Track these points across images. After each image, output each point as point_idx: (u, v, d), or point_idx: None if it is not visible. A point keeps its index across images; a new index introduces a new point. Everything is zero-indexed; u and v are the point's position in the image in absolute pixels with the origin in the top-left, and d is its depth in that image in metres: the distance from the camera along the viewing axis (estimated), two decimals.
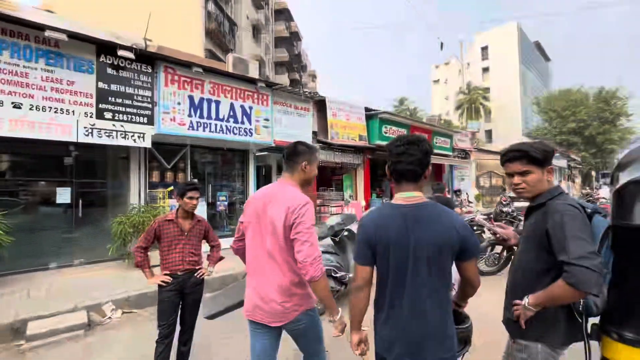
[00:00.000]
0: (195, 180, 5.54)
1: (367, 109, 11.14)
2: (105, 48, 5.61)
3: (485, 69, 42.76)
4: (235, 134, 7.21)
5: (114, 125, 5.65)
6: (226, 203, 8.29)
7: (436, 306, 1.28)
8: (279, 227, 1.61)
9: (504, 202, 6.60)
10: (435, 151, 14.10)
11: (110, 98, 5.66)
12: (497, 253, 4.90)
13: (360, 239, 1.36)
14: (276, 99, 8.08)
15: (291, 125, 8.36)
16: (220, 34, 18.36)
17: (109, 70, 5.68)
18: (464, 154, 16.73)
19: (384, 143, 11.30)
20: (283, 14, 33.39)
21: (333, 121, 10.17)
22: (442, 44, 9.88)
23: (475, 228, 5.71)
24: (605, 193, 9.06)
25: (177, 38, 10.82)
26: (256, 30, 25.87)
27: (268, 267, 1.67)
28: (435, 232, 1.27)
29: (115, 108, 5.71)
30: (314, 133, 9.73)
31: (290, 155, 1.77)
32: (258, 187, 9.38)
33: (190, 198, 2.50)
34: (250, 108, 7.48)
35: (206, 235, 2.71)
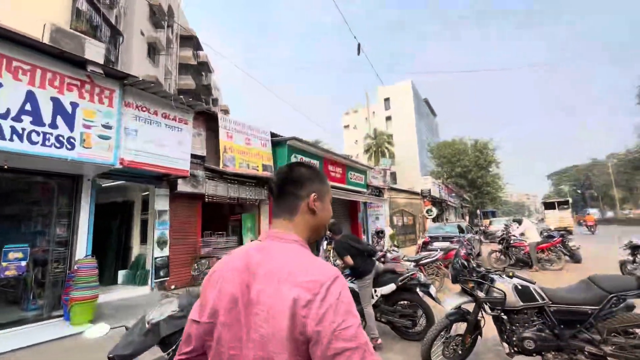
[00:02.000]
0: None
1: (273, 134, 9.22)
2: None
3: (388, 118, 47.32)
4: (34, 142, 4.16)
5: None
6: (24, 264, 4.82)
7: None
8: (277, 339, 0.67)
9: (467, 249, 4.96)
10: (350, 187, 12.95)
11: None
12: (460, 335, 3.07)
13: None
14: (130, 100, 5.37)
15: (155, 141, 5.65)
16: (94, 39, 14.68)
17: None
18: (378, 192, 16.17)
19: None
20: (191, 41, 30.89)
21: (228, 144, 7.82)
22: (359, 45, 8.94)
23: (420, 290, 3.86)
24: (517, 231, 8.86)
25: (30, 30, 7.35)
26: (153, 49, 22.58)
27: None
28: None
29: None
30: (199, 157, 7.15)
31: (285, 184, 0.87)
32: (98, 235, 6.00)
33: None
34: (74, 105, 4.60)
35: None
